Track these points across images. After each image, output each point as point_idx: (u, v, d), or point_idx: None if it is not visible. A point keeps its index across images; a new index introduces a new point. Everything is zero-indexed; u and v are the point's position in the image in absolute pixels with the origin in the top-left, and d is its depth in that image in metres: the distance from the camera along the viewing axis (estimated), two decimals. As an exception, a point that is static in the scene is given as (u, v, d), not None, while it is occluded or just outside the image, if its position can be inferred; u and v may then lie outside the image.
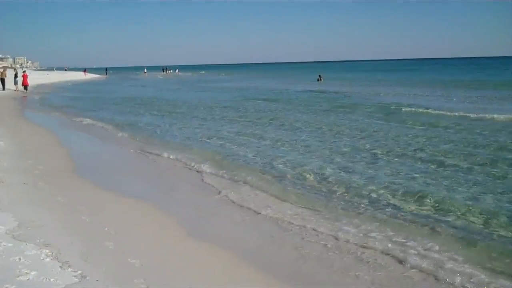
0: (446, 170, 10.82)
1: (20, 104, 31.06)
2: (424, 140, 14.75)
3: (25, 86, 41.68)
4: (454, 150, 12.90)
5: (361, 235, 7.10)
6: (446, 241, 6.81)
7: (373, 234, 7.10)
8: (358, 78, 68.27)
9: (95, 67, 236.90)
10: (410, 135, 15.70)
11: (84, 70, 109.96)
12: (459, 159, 11.80)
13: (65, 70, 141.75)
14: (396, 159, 12.06)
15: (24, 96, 37.86)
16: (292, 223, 7.64)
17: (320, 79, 60.56)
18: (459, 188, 9.36)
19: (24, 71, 46.03)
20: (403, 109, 23.40)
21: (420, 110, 23.10)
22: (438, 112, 22.07)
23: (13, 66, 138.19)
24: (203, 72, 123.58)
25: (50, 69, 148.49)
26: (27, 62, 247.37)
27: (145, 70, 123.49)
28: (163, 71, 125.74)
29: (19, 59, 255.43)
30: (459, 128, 17.16)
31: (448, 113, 21.33)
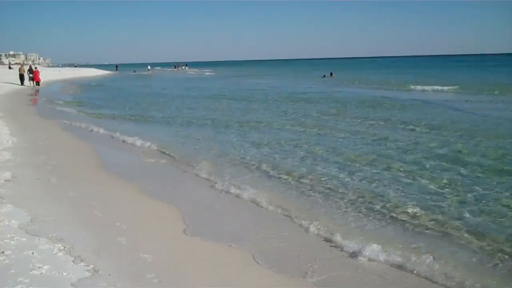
0: None
1: (34, 100, 31.31)
2: None
3: (36, 82, 42.39)
4: None
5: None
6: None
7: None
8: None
9: (106, 63, 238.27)
10: None
11: (116, 67, 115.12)
12: None
13: (75, 66, 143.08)
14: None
15: (36, 91, 38.52)
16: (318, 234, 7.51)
17: (332, 76, 60.48)
18: None
19: (35, 68, 46.82)
20: None
21: None
22: None
23: (25, 62, 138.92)
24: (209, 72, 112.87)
25: (63, 66, 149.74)
26: (39, 59, 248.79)
27: (149, 67, 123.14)
28: (175, 67, 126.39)
29: (31, 55, 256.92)
30: None
31: None
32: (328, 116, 20.49)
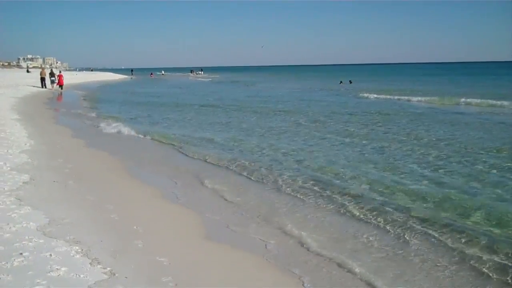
0: None
1: (54, 104, 31.66)
2: None
3: (60, 85, 43.83)
4: None
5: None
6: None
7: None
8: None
9: (122, 67, 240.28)
10: None
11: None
12: None
13: (91, 70, 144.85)
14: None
15: (60, 94, 40.23)
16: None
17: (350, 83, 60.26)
18: None
19: (60, 71, 49.97)
20: None
21: None
22: None
23: (43, 66, 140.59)
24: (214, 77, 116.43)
25: (80, 70, 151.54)
26: (57, 63, 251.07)
27: (163, 72, 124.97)
28: (191, 72, 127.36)
29: (49, 59, 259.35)
30: None
31: None
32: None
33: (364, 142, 15.32)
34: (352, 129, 18.21)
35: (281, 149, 14.22)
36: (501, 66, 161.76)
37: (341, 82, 61.23)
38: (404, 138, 15.96)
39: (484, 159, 12.09)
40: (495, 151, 13.37)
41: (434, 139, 15.72)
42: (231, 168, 11.81)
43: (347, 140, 15.75)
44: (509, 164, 11.66)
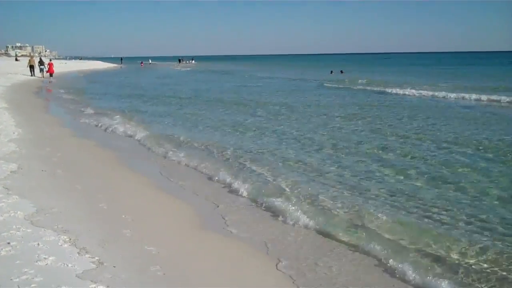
0: None
1: (43, 92, 31.46)
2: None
3: (50, 74, 44.39)
4: None
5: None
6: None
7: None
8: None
9: (112, 56, 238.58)
10: None
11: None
12: None
13: (80, 59, 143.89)
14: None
15: (49, 82, 40.51)
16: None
17: (341, 73, 60.22)
18: None
19: (50, 60, 49.58)
20: None
21: None
22: None
23: (32, 54, 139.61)
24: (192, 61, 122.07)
25: (70, 58, 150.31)
26: (46, 51, 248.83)
27: (150, 61, 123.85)
28: (179, 61, 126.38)
29: (38, 47, 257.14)
30: None
31: None
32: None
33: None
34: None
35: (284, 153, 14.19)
36: (497, 56, 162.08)
37: (331, 72, 61.14)
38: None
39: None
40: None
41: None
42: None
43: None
44: None
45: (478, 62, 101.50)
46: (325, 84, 39.66)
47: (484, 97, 26.05)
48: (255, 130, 15.72)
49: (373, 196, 8.40)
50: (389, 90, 32.04)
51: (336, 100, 26.16)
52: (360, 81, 40.42)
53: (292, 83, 41.90)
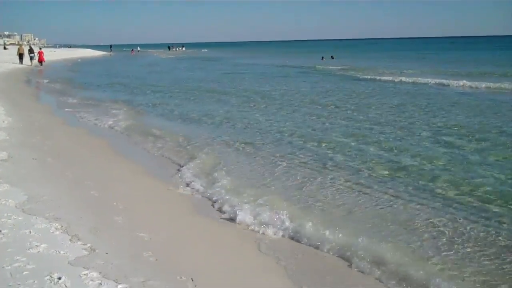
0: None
1: (33, 81, 31.22)
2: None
3: (40, 62, 44.65)
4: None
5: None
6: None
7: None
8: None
9: (101, 44, 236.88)
10: None
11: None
12: None
13: (69, 47, 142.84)
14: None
15: (40, 70, 40.56)
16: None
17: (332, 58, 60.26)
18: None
19: (40, 48, 50.53)
20: None
21: None
22: None
23: (20, 42, 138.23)
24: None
25: (59, 46, 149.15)
26: (34, 39, 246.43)
27: (138, 48, 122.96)
28: (169, 48, 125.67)
29: (26, 35, 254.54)
30: None
31: None
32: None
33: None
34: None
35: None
36: (488, 41, 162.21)
37: (322, 58, 61.11)
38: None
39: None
40: None
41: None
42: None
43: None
44: None
45: (470, 47, 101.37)
46: (309, 71, 39.85)
47: (490, 85, 24.77)
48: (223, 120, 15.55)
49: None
50: (378, 77, 31.59)
51: (317, 87, 26.04)
52: (348, 67, 40.24)
53: (279, 70, 41.56)
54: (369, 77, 31.50)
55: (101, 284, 4.47)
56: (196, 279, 4.88)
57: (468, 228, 6.44)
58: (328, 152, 10.72)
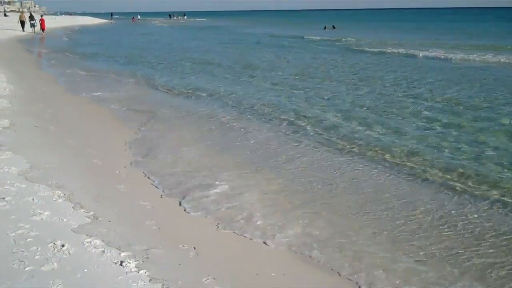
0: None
1: (33, 48, 30.97)
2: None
3: (42, 29, 44.30)
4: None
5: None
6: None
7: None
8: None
9: (102, 12, 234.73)
10: None
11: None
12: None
13: (70, 14, 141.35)
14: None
15: (41, 38, 40.29)
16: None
17: (334, 28, 59.70)
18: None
19: (41, 16, 49.83)
20: None
21: None
22: None
23: (21, 9, 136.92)
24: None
25: (61, 14, 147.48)
26: (35, 6, 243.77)
27: (139, 17, 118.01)
28: (170, 17, 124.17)
29: (27, 3, 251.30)
30: None
31: None
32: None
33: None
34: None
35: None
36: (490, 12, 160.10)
37: (325, 27, 60.51)
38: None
39: None
40: None
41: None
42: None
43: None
44: None
45: (472, 19, 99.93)
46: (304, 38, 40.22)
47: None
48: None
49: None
50: (373, 49, 30.21)
51: (310, 57, 25.77)
52: (350, 39, 39.33)
53: (275, 40, 40.65)
54: (370, 49, 30.59)
55: (104, 251, 4.50)
56: (198, 248, 4.91)
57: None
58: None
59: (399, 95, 13.85)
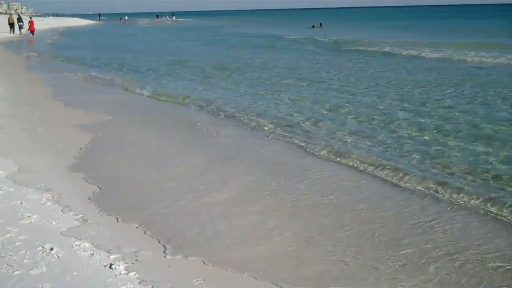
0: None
1: (22, 50, 30.86)
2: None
3: (31, 31, 43.91)
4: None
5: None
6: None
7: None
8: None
9: (90, 13, 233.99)
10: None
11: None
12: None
13: (57, 16, 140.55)
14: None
15: (30, 40, 40.25)
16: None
17: (321, 26, 59.93)
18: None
19: (30, 17, 50.31)
20: None
21: None
22: None
23: (8, 11, 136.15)
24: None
25: (48, 15, 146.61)
26: (22, 8, 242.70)
27: (126, 18, 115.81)
28: (157, 17, 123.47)
29: (14, 4, 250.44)
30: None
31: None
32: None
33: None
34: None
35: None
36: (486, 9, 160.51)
37: (313, 26, 60.61)
38: None
39: None
40: None
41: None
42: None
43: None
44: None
45: (465, 16, 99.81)
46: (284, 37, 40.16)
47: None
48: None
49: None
50: (362, 47, 29.97)
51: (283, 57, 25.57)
52: (335, 38, 39.00)
53: (259, 40, 40.16)
54: (358, 48, 30.37)
55: (93, 254, 4.49)
56: (188, 249, 4.90)
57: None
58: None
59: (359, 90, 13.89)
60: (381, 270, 4.54)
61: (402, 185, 6.86)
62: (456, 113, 11.10)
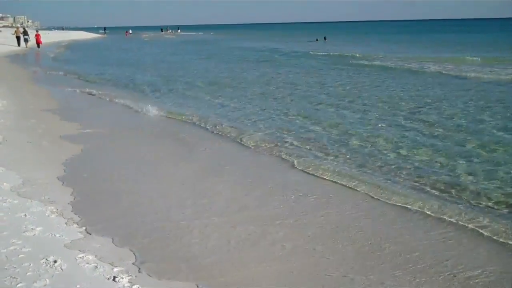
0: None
1: (27, 63, 31.05)
2: None
3: (38, 44, 45.21)
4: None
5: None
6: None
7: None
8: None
9: (95, 26, 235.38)
10: None
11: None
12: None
13: (62, 29, 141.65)
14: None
15: (37, 53, 40.92)
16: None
17: (325, 40, 60.28)
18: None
19: (36, 31, 51.83)
20: None
21: None
22: None
23: (14, 25, 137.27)
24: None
25: (54, 29, 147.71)
26: (28, 21, 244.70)
27: (130, 31, 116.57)
28: (162, 31, 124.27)
29: (20, 18, 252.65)
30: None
31: None
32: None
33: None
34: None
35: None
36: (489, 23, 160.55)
37: (317, 39, 60.91)
38: None
39: None
40: None
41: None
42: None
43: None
44: None
45: (467, 30, 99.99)
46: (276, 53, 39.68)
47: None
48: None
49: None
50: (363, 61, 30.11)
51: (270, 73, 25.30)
52: (339, 52, 38.83)
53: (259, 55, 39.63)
54: (364, 62, 30.51)
55: (97, 267, 4.50)
56: (190, 262, 4.90)
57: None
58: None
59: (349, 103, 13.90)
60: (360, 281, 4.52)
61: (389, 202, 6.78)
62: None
